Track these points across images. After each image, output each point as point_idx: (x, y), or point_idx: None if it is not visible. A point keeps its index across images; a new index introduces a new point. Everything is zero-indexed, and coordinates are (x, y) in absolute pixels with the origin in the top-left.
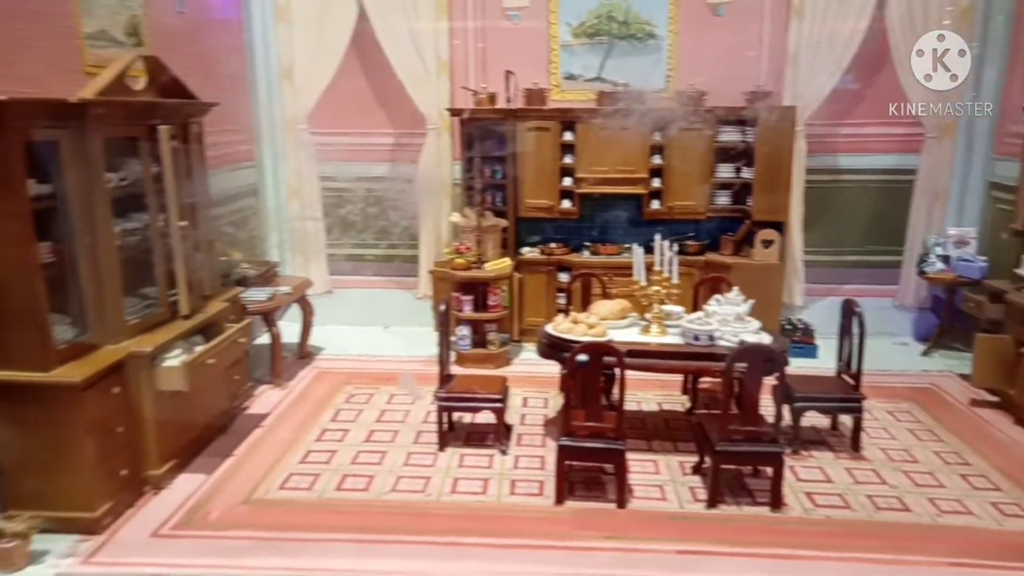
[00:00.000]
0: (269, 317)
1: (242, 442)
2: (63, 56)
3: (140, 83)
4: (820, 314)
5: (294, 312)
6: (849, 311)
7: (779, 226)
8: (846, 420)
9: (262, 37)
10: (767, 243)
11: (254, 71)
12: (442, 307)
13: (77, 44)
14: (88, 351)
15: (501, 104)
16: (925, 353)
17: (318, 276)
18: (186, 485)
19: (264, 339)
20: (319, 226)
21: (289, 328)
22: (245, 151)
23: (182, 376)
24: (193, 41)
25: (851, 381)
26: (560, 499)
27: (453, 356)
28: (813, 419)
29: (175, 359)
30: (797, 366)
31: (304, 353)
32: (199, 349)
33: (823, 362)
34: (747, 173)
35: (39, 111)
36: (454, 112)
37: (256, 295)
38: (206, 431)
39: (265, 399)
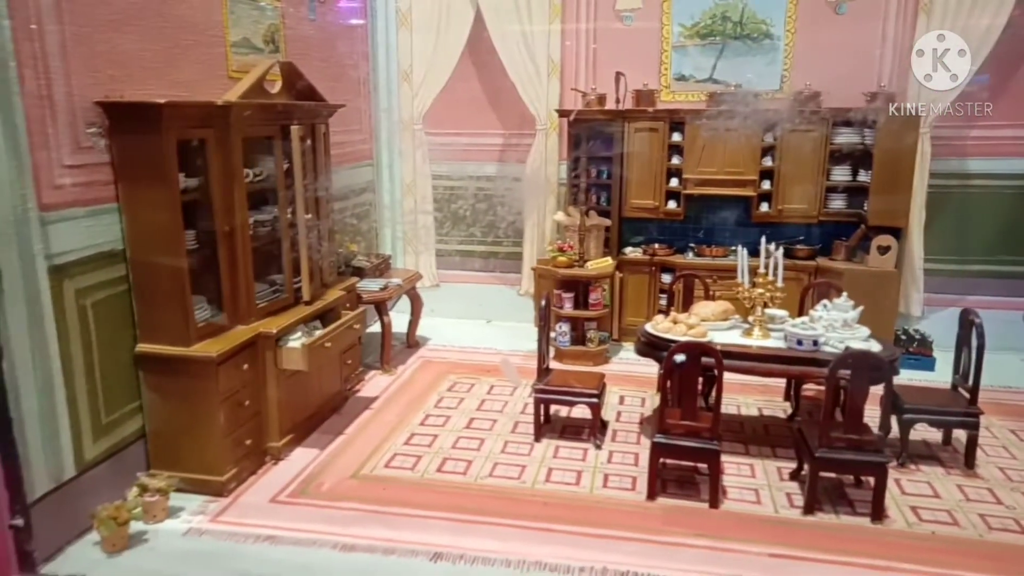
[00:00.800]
0: (381, 307)
1: (352, 422)
2: (212, 63)
3: (276, 87)
4: (941, 326)
5: (404, 303)
6: (967, 321)
7: (897, 232)
8: (960, 436)
9: (384, 42)
10: (883, 249)
11: (376, 74)
12: (543, 302)
13: (223, 52)
14: (222, 330)
15: (611, 105)
16: None
17: (427, 270)
18: (302, 458)
19: (375, 327)
20: (429, 221)
21: (399, 318)
22: (365, 150)
23: (303, 357)
24: (322, 47)
25: (967, 395)
26: (652, 495)
27: (552, 352)
28: (924, 433)
29: (297, 341)
30: (911, 378)
31: (412, 342)
32: (318, 333)
33: (941, 376)
34: (864, 176)
35: (191, 112)
36: (563, 113)
37: (370, 285)
38: (321, 410)
39: (374, 383)
